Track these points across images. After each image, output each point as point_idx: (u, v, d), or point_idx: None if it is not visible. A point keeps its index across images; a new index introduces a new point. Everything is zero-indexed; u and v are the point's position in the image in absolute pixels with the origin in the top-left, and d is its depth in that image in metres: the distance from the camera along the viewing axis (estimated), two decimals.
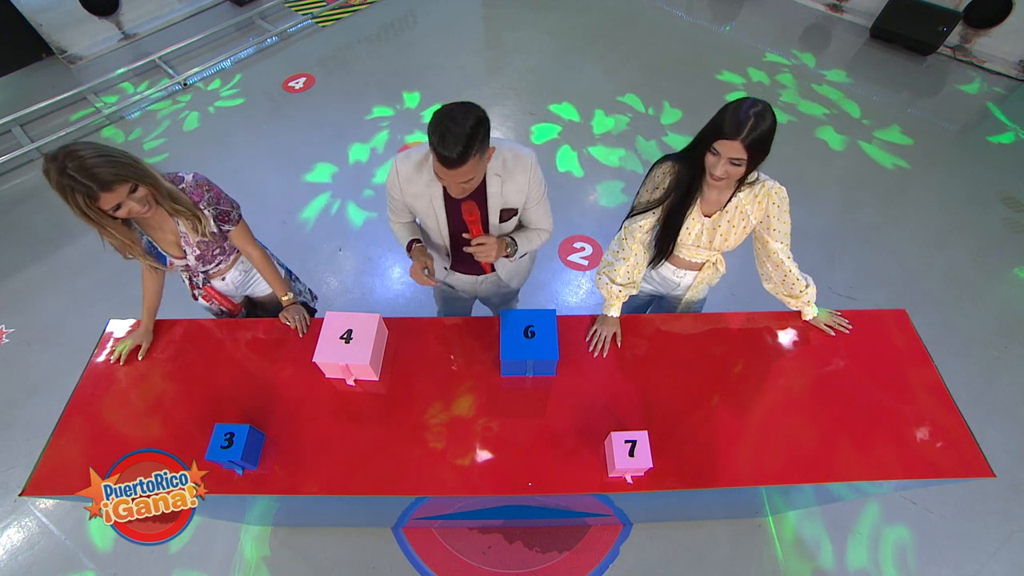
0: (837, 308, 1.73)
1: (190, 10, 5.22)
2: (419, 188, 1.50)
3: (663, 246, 1.63)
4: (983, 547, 2.16)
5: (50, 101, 4.20)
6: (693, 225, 1.57)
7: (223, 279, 1.77)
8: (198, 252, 1.56)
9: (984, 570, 2.10)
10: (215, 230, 1.55)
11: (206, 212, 1.50)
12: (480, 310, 2.30)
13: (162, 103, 4.30)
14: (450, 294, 1.97)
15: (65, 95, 4.25)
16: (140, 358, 1.62)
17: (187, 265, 1.60)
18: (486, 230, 1.57)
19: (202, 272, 1.71)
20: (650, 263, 1.72)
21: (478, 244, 1.44)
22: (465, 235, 1.47)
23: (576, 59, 4.60)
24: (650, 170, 1.56)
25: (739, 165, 1.33)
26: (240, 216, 1.61)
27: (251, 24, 5.10)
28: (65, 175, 1.18)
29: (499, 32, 4.98)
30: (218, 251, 1.63)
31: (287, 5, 5.31)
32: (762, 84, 4.29)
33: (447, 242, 1.65)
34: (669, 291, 1.89)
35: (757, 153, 1.31)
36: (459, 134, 1.19)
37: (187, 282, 1.78)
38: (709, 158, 1.37)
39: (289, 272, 1.98)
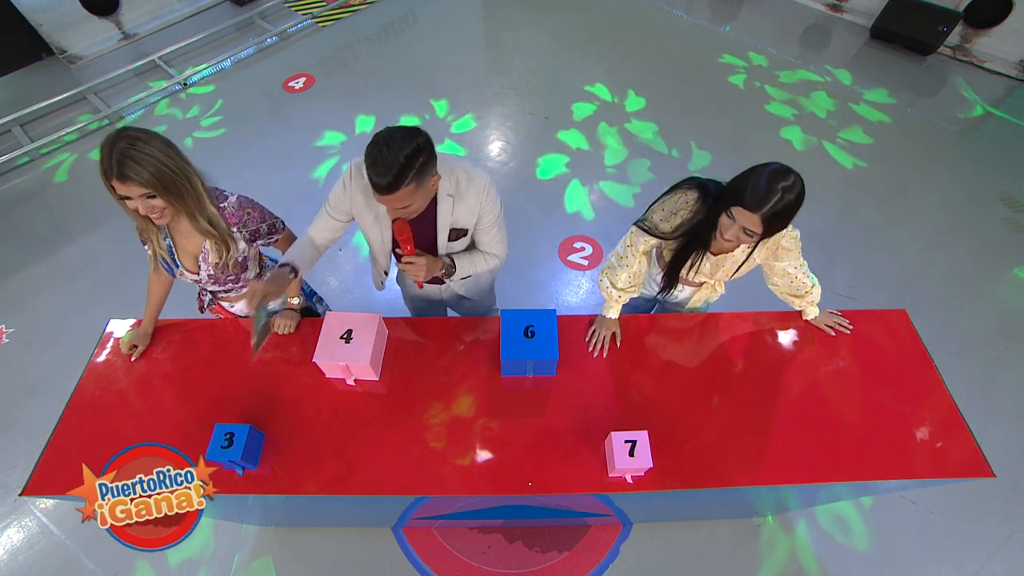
0: (837, 308, 1.73)
1: (190, 10, 5.22)
2: (368, 200, 1.44)
3: (671, 277, 1.60)
4: (983, 547, 2.16)
5: (50, 101, 4.20)
6: (697, 258, 1.52)
7: (231, 306, 1.77)
8: (212, 272, 1.54)
9: (984, 570, 2.10)
10: (239, 258, 1.54)
11: (237, 235, 1.48)
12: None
13: (162, 103, 4.30)
14: (419, 296, 1.94)
15: (65, 95, 4.25)
16: (133, 359, 1.62)
17: (197, 280, 1.58)
18: (433, 249, 1.55)
19: (210, 292, 1.70)
20: (660, 291, 1.71)
21: (407, 263, 1.43)
22: (397, 251, 1.46)
23: (576, 59, 4.60)
24: (673, 189, 1.49)
25: (751, 236, 1.26)
26: (281, 230, 1.60)
27: (251, 24, 5.10)
28: (108, 146, 1.20)
29: (499, 32, 4.98)
30: (232, 278, 1.60)
31: (287, 5, 5.30)
32: (760, 84, 4.29)
33: (389, 257, 1.62)
34: (668, 299, 1.88)
35: (772, 230, 1.25)
36: (391, 161, 1.16)
37: (196, 295, 1.78)
38: (724, 219, 1.30)
39: (313, 293, 1.99)
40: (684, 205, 1.44)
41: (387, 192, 1.20)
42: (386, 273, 1.69)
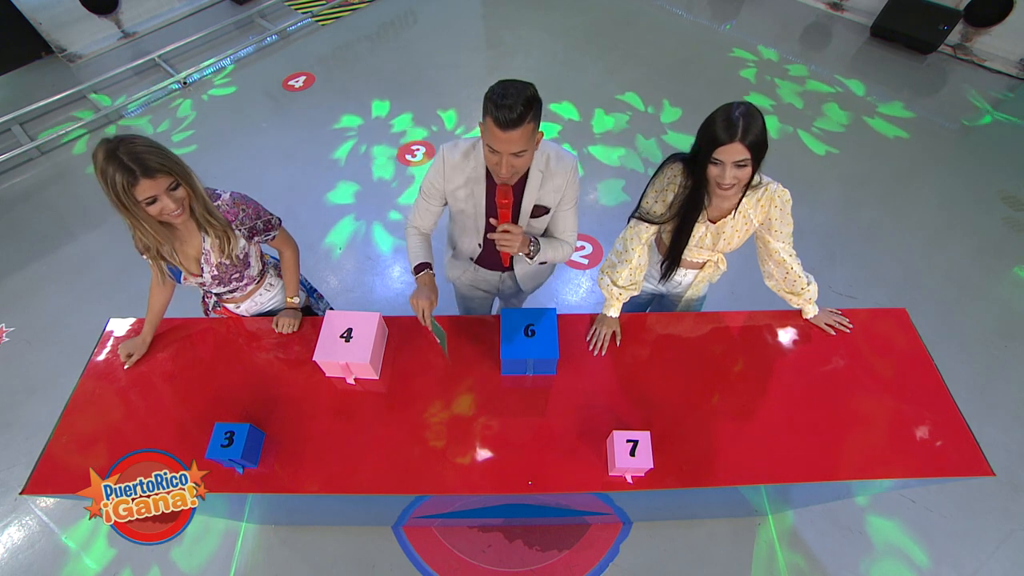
0: (837, 307, 1.73)
1: (190, 8, 5.22)
2: (463, 178, 1.52)
3: (673, 257, 1.62)
4: (982, 545, 2.16)
5: (50, 100, 4.21)
6: (698, 229, 1.57)
7: (236, 307, 1.77)
8: (216, 272, 1.54)
9: (983, 568, 2.11)
10: (240, 254, 1.54)
11: (237, 232, 1.48)
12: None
13: (161, 102, 4.30)
14: (469, 292, 1.97)
15: (65, 93, 4.26)
16: (127, 367, 1.61)
17: (201, 283, 1.57)
18: (516, 223, 1.57)
19: (215, 294, 1.70)
20: (662, 278, 1.72)
21: (503, 231, 1.43)
22: (492, 220, 1.48)
23: (576, 58, 4.60)
24: (659, 168, 1.54)
25: (745, 166, 1.31)
26: (277, 227, 1.60)
27: (251, 23, 5.10)
28: (113, 157, 1.18)
29: (499, 31, 4.98)
30: (236, 275, 1.60)
31: (287, 3, 5.30)
32: (762, 81, 4.29)
33: (481, 234, 1.66)
34: (670, 290, 1.89)
35: (758, 150, 1.30)
36: (518, 95, 1.23)
37: (201, 298, 1.78)
38: (713, 170, 1.35)
39: (314, 290, 1.99)
40: (672, 179, 1.50)
41: (514, 125, 1.24)
42: (480, 245, 1.72)
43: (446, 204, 1.63)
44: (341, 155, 3.78)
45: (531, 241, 1.54)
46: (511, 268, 1.81)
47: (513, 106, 1.21)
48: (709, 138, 1.31)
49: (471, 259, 1.81)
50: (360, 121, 4.04)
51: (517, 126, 1.24)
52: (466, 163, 1.50)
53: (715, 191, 1.44)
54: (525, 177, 1.50)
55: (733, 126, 1.26)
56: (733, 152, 1.28)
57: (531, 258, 1.57)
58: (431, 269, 1.61)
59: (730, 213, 1.52)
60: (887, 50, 4.64)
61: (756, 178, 1.46)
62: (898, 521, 2.21)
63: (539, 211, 1.57)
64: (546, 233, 1.68)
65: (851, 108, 4.07)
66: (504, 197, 1.40)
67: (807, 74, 4.38)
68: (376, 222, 3.34)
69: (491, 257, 1.75)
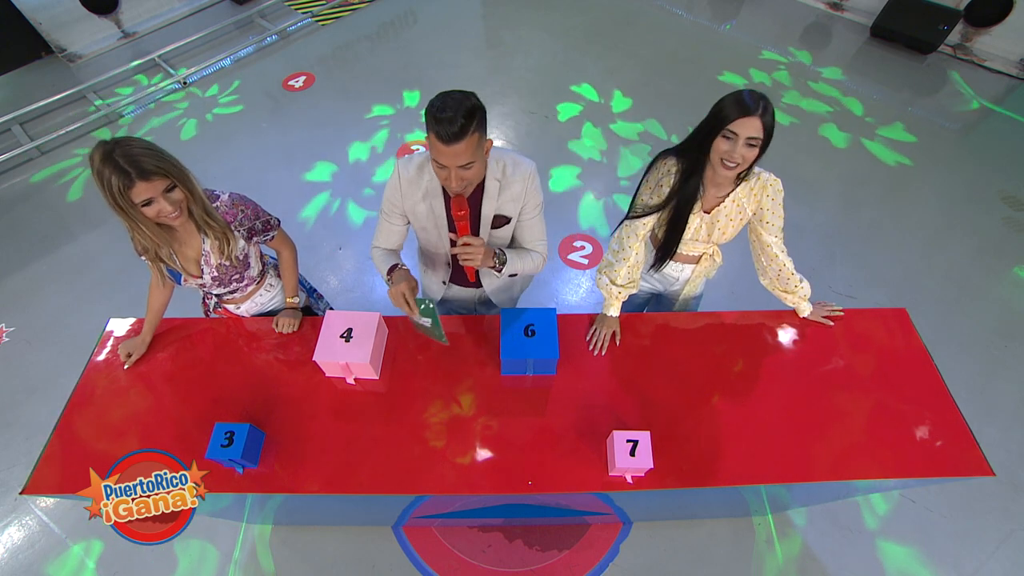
0: (838, 307, 1.73)
1: (189, 8, 5.22)
2: (420, 193, 1.48)
3: (668, 248, 1.62)
4: (982, 545, 2.16)
5: (49, 100, 4.21)
6: (692, 220, 1.57)
7: (237, 307, 1.77)
8: (216, 274, 1.54)
9: (983, 568, 2.11)
10: (240, 255, 1.54)
11: (236, 233, 1.49)
12: None
13: (161, 101, 4.30)
14: (450, 302, 1.95)
15: (64, 93, 4.26)
16: (126, 367, 1.60)
17: (201, 284, 1.57)
18: (477, 235, 1.54)
19: (215, 295, 1.70)
20: (652, 266, 1.72)
21: (463, 244, 1.37)
22: (451, 235, 1.43)
23: (576, 58, 4.60)
24: (650, 166, 1.56)
25: (755, 146, 1.31)
26: (276, 227, 1.60)
27: (251, 23, 5.10)
28: (109, 159, 1.18)
29: (499, 31, 4.98)
30: (236, 276, 1.60)
31: (287, 3, 5.30)
32: (763, 84, 4.29)
33: (448, 252, 1.63)
34: (667, 287, 1.89)
35: (769, 134, 1.32)
36: (458, 107, 1.18)
37: (202, 300, 1.78)
38: (722, 144, 1.34)
39: (313, 290, 1.99)
40: (667, 173, 1.50)
41: (456, 139, 1.19)
42: (448, 264, 1.69)
43: (409, 224, 1.59)
44: (340, 156, 3.78)
45: (495, 253, 1.49)
46: (479, 284, 1.77)
47: (453, 119, 1.17)
48: (724, 114, 1.31)
49: (444, 282, 1.78)
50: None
51: (460, 139, 1.19)
52: (421, 177, 1.46)
53: (712, 177, 1.45)
54: (482, 187, 1.46)
55: (752, 103, 1.28)
56: (750, 126, 1.29)
57: (499, 271, 1.52)
58: (404, 266, 1.55)
59: (723, 202, 1.53)
60: (887, 50, 4.64)
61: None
62: (898, 521, 2.21)
63: (500, 221, 1.53)
64: (513, 244, 1.63)
65: (849, 130, 4.03)
66: (459, 209, 1.35)
67: (805, 74, 4.38)
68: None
69: (462, 275, 1.72)
